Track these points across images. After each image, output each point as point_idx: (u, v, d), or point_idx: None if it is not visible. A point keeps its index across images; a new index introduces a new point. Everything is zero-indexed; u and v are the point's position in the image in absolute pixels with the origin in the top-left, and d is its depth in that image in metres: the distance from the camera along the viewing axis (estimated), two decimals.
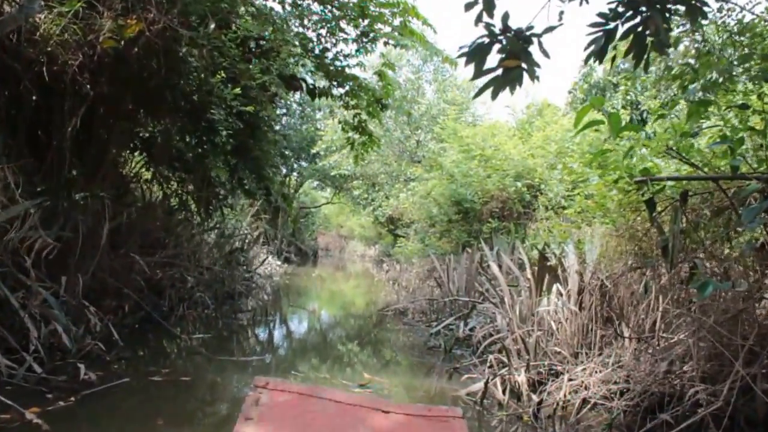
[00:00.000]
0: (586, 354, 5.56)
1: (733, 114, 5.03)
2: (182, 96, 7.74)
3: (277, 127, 16.01)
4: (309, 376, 6.79)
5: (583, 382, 5.18)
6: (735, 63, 4.99)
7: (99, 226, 6.96)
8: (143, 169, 10.06)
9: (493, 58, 3.17)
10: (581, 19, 3.38)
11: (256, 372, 6.58)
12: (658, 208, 4.48)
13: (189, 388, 5.88)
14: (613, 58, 4.00)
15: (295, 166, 28.73)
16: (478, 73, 3.13)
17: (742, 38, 5.47)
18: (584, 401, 5.04)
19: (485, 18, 3.17)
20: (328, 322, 12.49)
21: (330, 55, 8.80)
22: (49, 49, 5.47)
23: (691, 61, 5.65)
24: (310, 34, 8.58)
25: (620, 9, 3.24)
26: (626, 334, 5.31)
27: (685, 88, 5.16)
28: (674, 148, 4.57)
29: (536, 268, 6.56)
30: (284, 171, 26.20)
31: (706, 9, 3.27)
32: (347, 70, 8.99)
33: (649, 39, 3.22)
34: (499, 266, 8.00)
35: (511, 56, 3.13)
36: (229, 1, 6.84)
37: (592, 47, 3.31)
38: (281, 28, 7.74)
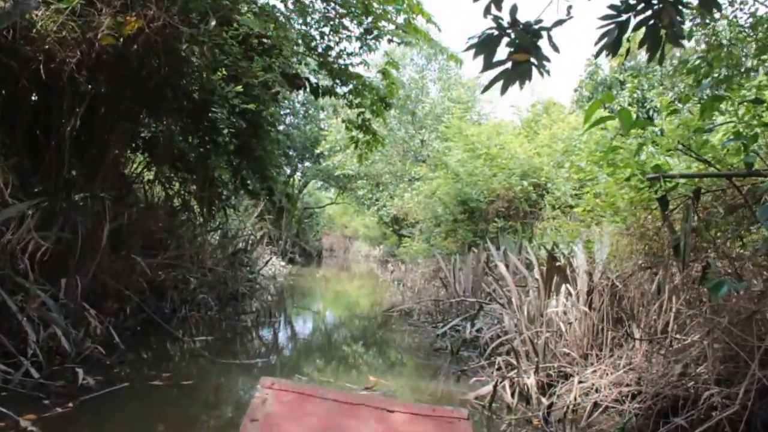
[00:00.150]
0: (597, 356, 5.45)
1: (745, 109, 4.92)
2: (183, 94, 7.66)
3: (281, 127, 15.98)
4: (314, 378, 6.70)
5: (593, 384, 5.09)
6: (748, 57, 4.87)
7: (99, 228, 6.86)
8: (145, 170, 9.99)
9: (501, 52, 3.09)
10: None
11: (260, 374, 6.42)
12: (670, 206, 4.38)
13: (192, 392, 5.77)
14: (627, 51, 3.89)
15: (299, 166, 28.70)
16: (487, 65, 3.03)
17: (755, 33, 5.35)
18: (595, 404, 4.94)
19: (493, 10, 3.08)
20: (332, 323, 12.41)
21: (333, 53, 8.69)
22: (47, 46, 5.35)
23: (705, 55, 5.53)
24: (313, 31, 8.48)
25: (632, 1, 3.14)
26: (637, 336, 5.20)
27: (699, 82, 5.04)
28: (686, 144, 4.46)
29: (545, 267, 6.45)
30: (288, 171, 26.17)
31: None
32: (351, 68, 8.89)
33: (662, 32, 3.12)
34: (506, 266, 7.88)
35: (520, 50, 3.04)
36: None
37: (605, 40, 3.20)
38: (284, 26, 7.65)
